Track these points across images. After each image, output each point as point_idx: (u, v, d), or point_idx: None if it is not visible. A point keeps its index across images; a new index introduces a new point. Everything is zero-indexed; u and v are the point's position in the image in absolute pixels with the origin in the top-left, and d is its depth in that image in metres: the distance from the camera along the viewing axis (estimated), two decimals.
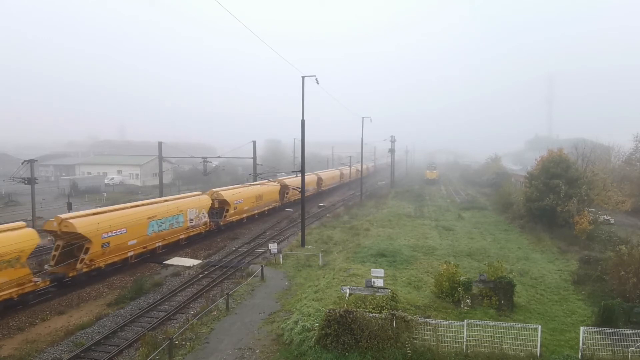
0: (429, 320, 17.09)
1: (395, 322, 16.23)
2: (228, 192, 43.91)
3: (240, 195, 45.55)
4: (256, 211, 48.68)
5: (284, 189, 57.03)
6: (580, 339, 15.76)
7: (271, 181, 54.86)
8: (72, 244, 26.13)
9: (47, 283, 23.95)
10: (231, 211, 43.03)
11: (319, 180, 73.58)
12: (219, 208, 42.39)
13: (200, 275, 28.41)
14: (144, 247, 30.95)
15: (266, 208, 51.54)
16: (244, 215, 46.03)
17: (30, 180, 38.76)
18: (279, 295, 23.88)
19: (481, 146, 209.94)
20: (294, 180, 57.81)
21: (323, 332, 16.11)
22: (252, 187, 49.00)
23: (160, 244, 32.54)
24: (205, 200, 39.59)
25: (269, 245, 31.89)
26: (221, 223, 41.24)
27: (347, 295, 20.37)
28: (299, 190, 53.81)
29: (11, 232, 22.38)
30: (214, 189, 43.73)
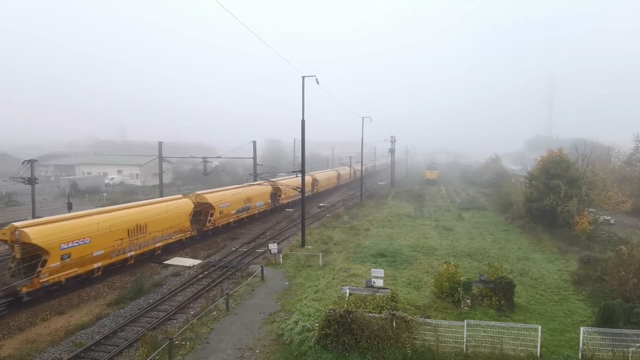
0: (429, 320, 17.09)
1: (395, 322, 16.23)
2: (48, 229, 23.73)
3: (81, 229, 25.36)
4: (131, 253, 29.01)
5: (203, 208, 38.74)
6: (581, 339, 15.76)
7: (185, 197, 38.10)
8: None
9: None
10: (53, 263, 23.34)
11: (275, 192, 54.31)
12: (29, 257, 23.03)
13: (200, 275, 28.42)
14: None
15: (158, 244, 31.86)
16: (97, 265, 26.21)
17: (31, 180, 38.74)
18: (279, 295, 23.88)
19: (481, 146, 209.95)
20: (224, 195, 41.54)
21: (323, 332, 16.11)
22: (127, 210, 30.26)
23: None
24: None
25: (269, 245, 31.87)
26: (24, 290, 21.93)
27: (347, 295, 20.38)
28: (234, 212, 42.33)
29: None
30: (16, 223, 23.51)
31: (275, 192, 55.10)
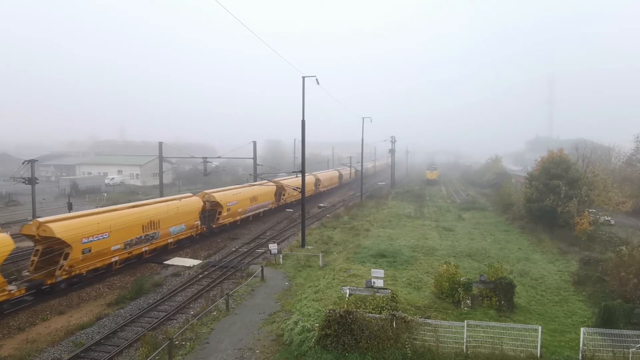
0: (429, 320, 17.07)
1: (395, 323, 16.22)
2: None
3: None
4: None
5: (56, 246, 24.27)
6: (581, 339, 15.74)
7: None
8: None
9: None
10: None
11: (213, 207, 40.60)
12: None
13: (200, 276, 28.42)
14: None
15: None
16: None
17: (31, 180, 38.81)
18: (279, 295, 23.88)
19: (482, 147, 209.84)
20: (100, 221, 26.83)
21: (323, 332, 16.11)
22: None
23: None
24: None
25: (269, 245, 31.87)
26: None
27: (347, 295, 20.37)
28: (118, 247, 27.28)
29: None
30: None
31: (214, 209, 40.61)
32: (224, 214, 41.31)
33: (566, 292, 23.80)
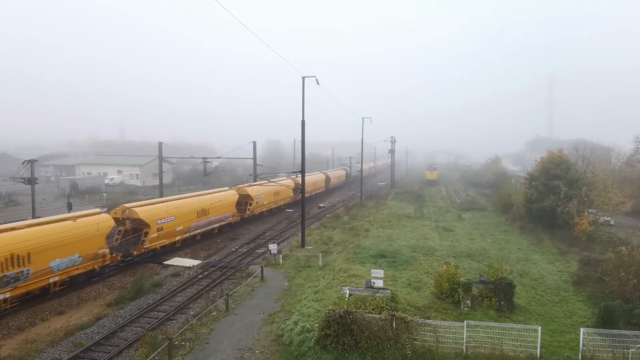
0: (428, 321, 17.09)
1: (395, 323, 16.22)
2: None
3: None
4: None
5: None
6: (581, 340, 15.75)
7: None
8: None
9: None
10: None
11: (133, 224, 30.15)
12: None
13: (200, 276, 28.41)
14: None
15: None
16: None
17: (31, 181, 38.73)
18: (278, 295, 23.88)
19: (481, 147, 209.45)
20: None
21: (323, 332, 16.11)
22: None
23: None
24: None
25: (269, 245, 31.88)
26: None
27: (347, 295, 20.37)
28: None
29: None
30: None
31: (138, 229, 30.44)
32: (153, 235, 31.05)
33: (566, 292, 23.81)
